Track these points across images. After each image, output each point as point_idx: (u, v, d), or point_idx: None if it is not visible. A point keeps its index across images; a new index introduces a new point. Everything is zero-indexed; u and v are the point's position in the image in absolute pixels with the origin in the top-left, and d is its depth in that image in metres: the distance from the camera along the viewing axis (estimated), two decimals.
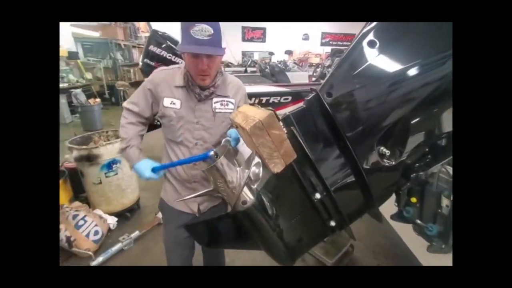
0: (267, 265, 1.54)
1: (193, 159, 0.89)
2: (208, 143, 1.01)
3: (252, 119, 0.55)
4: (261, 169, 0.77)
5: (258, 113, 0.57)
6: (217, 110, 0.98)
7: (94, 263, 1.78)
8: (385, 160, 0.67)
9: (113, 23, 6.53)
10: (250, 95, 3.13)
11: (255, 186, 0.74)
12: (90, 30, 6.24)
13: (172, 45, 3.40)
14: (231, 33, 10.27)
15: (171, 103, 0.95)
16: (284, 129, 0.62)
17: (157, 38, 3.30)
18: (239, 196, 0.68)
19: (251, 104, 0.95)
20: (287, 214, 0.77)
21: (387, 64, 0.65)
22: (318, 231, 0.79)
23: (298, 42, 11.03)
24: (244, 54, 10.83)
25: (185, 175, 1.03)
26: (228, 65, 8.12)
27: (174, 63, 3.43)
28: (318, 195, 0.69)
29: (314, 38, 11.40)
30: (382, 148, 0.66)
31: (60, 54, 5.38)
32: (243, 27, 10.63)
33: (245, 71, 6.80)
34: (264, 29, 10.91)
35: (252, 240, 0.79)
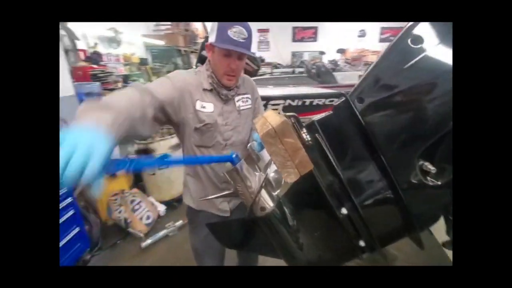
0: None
1: (215, 159, 0.85)
2: (237, 143, 1.01)
3: (266, 126, 0.54)
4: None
5: (275, 120, 0.55)
6: (241, 108, 1.00)
7: (144, 244, 2.04)
8: (428, 178, 0.58)
9: (175, 31, 7.29)
10: (292, 97, 3.11)
11: (276, 193, 0.72)
12: (157, 39, 7.11)
13: None
14: (281, 34, 10.29)
15: (201, 107, 0.92)
16: (308, 136, 0.58)
17: None
18: (257, 202, 0.67)
19: (274, 109, 0.95)
20: (309, 226, 0.73)
21: (436, 62, 0.55)
22: (345, 249, 0.72)
23: (353, 40, 10.31)
24: (294, 54, 10.72)
25: (217, 178, 1.02)
26: (276, 66, 8.17)
27: None
28: (344, 211, 0.63)
29: (371, 35, 10.47)
30: (426, 164, 0.57)
31: (133, 60, 6.29)
32: (294, 27, 10.51)
33: (293, 72, 6.73)
34: (315, 28, 10.57)
35: (272, 248, 0.76)
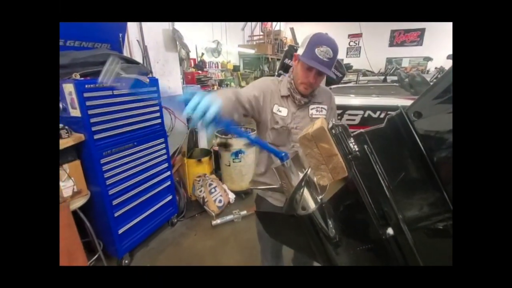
0: None
1: (272, 150, 0.88)
2: None
3: (305, 130, 0.60)
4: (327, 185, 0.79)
5: (315, 126, 0.60)
6: (313, 116, 1.08)
7: (214, 222, 2.41)
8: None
9: (266, 40, 7.89)
10: (373, 108, 2.86)
11: (320, 197, 0.73)
12: (250, 48, 7.91)
13: None
14: (376, 38, 9.38)
15: (277, 110, 1.06)
16: (356, 146, 0.59)
17: (292, 52, 3.73)
18: (299, 200, 0.69)
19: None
20: (350, 238, 0.70)
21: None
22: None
23: None
24: (389, 61, 9.57)
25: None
26: (365, 73, 7.54)
27: None
28: (390, 231, 0.58)
29: None
30: None
31: (228, 67, 7.22)
32: (392, 31, 9.37)
33: (384, 80, 6.05)
34: (422, 30, 9.07)
35: (310, 249, 0.76)
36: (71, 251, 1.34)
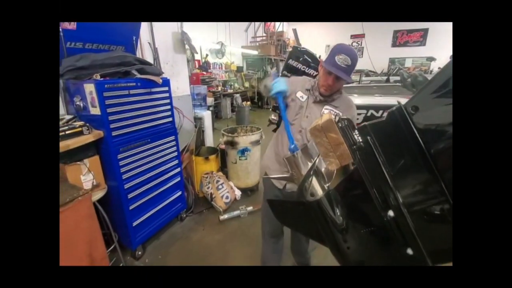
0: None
1: (289, 133, 1.08)
2: (307, 136, 1.23)
3: (315, 122, 0.69)
4: (334, 170, 0.87)
5: (324, 118, 0.68)
6: (323, 114, 1.20)
7: (221, 218, 2.49)
8: None
9: (269, 42, 7.98)
10: (376, 107, 2.93)
11: (327, 185, 0.78)
12: (252, 50, 8.01)
13: (308, 59, 3.82)
14: (378, 38, 9.43)
15: (300, 96, 1.28)
16: (360, 138, 0.65)
17: (296, 53, 3.81)
18: (308, 187, 0.76)
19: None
20: (356, 222, 0.75)
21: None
22: (391, 254, 0.71)
23: None
24: (392, 61, 9.61)
25: (282, 152, 1.28)
26: (367, 74, 7.59)
27: (308, 75, 3.83)
28: (391, 213, 0.64)
29: None
30: None
31: (231, 68, 7.31)
32: (395, 31, 9.42)
33: (387, 80, 6.11)
34: (425, 30, 9.10)
35: (318, 233, 0.81)
36: (92, 240, 1.44)
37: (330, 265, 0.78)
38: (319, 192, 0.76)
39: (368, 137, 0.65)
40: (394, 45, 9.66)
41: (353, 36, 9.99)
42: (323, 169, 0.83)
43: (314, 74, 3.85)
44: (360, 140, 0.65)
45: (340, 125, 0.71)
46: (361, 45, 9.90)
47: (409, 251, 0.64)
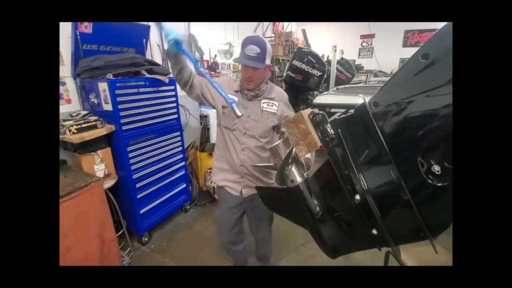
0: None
1: (193, 61, 1.14)
2: (253, 135, 1.28)
3: (291, 116, 0.81)
4: (312, 158, 0.97)
5: (297, 113, 0.80)
6: (263, 109, 1.28)
7: None
8: (432, 178, 0.60)
9: (277, 42, 8.05)
10: None
11: (306, 173, 0.87)
12: None
13: (312, 60, 3.90)
14: (388, 38, 9.32)
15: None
16: (332, 130, 0.73)
17: (301, 54, 3.90)
18: (288, 175, 0.85)
19: None
20: (330, 205, 0.83)
21: (439, 74, 0.58)
22: (359, 235, 0.78)
23: None
24: (403, 61, 9.45)
25: (236, 160, 1.30)
26: (376, 74, 7.53)
27: (312, 75, 3.91)
28: (358, 197, 0.70)
29: None
30: (434, 165, 0.58)
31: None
32: (406, 31, 9.27)
33: None
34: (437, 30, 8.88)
35: (300, 217, 0.89)
36: (103, 223, 1.60)
37: (321, 257, 0.84)
38: (298, 179, 0.86)
39: (339, 130, 0.73)
40: (405, 45, 9.49)
41: (362, 37, 9.90)
42: (302, 159, 0.92)
43: (318, 75, 3.93)
44: (332, 132, 0.73)
45: (315, 119, 0.81)
46: (371, 45, 9.81)
47: (374, 232, 0.72)
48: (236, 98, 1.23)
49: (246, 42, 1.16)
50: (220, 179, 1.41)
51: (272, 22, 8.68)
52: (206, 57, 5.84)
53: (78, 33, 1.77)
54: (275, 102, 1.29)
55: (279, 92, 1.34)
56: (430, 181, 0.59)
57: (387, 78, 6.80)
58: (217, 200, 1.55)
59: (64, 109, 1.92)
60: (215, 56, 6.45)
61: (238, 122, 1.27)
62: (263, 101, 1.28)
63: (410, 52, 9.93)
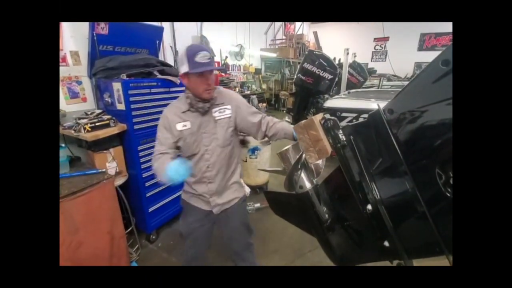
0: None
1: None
2: (215, 148, 1.18)
3: (300, 121, 0.78)
4: (322, 165, 0.95)
5: (308, 118, 0.77)
6: (217, 118, 1.17)
7: None
8: (449, 190, 0.56)
9: (288, 44, 8.04)
10: None
11: (315, 180, 0.86)
12: (271, 52, 8.12)
13: (323, 62, 3.86)
14: (403, 41, 9.11)
15: (183, 126, 1.14)
16: (343, 136, 0.71)
17: (312, 57, 3.85)
18: (297, 180, 0.84)
19: None
20: (340, 214, 0.81)
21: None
22: (370, 246, 0.75)
23: None
24: (418, 65, 9.22)
25: (200, 174, 1.22)
26: (389, 78, 7.38)
27: (323, 78, 3.86)
28: (369, 207, 0.67)
29: None
30: (447, 175, 0.56)
31: (250, 70, 7.46)
32: (422, 34, 9.03)
33: None
34: None
35: (307, 225, 0.87)
36: (113, 220, 1.63)
37: (328, 264, 0.81)
38: (308, 185, 0.84)
39: (351, 136, 0.71)
40: (420, 48, 9.26)
41: (376, 40, 9.73)
42: (312, 165, 0.90)
43: (329, 78, 3.87)
44: (344, 139, 0.71)
45: (326, 125, 0.80)
46: (384, 48, 9.62)
47: (386, 243, 0.68)
48: (187, 123, 1.14)
49: (195, 50, 1.05)
50: (187, 197, 1.36)
51: (283, 25, 8.69)
52: (217, 58, 5.91)
53: (94, 34, 1.83)
54: (227, 106, 1.20)
55: (226, 93, 1.24)
56: (448, 194, 0.56)
57: (400, 83, 6.67)
58: (182, 212, 1.49)
59: (80, 107, 1.98)
60: (226, 57, 6.51)
61: (197, 143, 1.17)
62: (213, 109, 1.17)
63: (425, 56, 9.72)
